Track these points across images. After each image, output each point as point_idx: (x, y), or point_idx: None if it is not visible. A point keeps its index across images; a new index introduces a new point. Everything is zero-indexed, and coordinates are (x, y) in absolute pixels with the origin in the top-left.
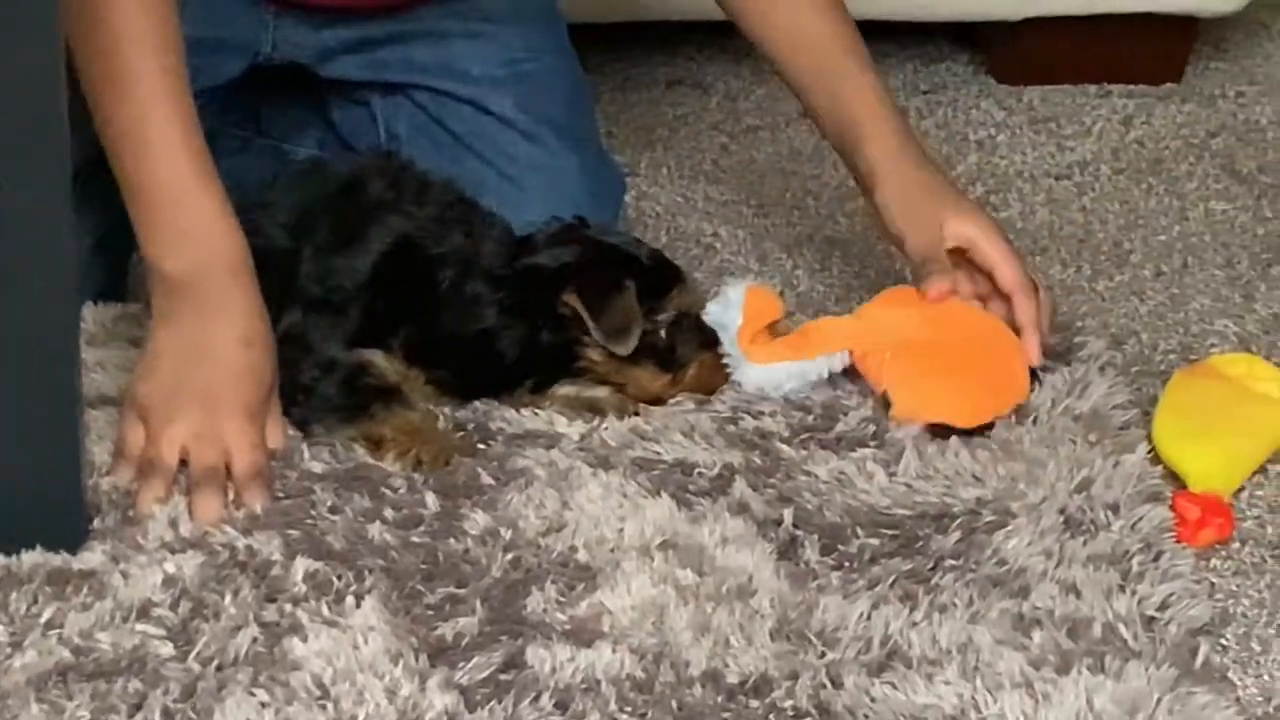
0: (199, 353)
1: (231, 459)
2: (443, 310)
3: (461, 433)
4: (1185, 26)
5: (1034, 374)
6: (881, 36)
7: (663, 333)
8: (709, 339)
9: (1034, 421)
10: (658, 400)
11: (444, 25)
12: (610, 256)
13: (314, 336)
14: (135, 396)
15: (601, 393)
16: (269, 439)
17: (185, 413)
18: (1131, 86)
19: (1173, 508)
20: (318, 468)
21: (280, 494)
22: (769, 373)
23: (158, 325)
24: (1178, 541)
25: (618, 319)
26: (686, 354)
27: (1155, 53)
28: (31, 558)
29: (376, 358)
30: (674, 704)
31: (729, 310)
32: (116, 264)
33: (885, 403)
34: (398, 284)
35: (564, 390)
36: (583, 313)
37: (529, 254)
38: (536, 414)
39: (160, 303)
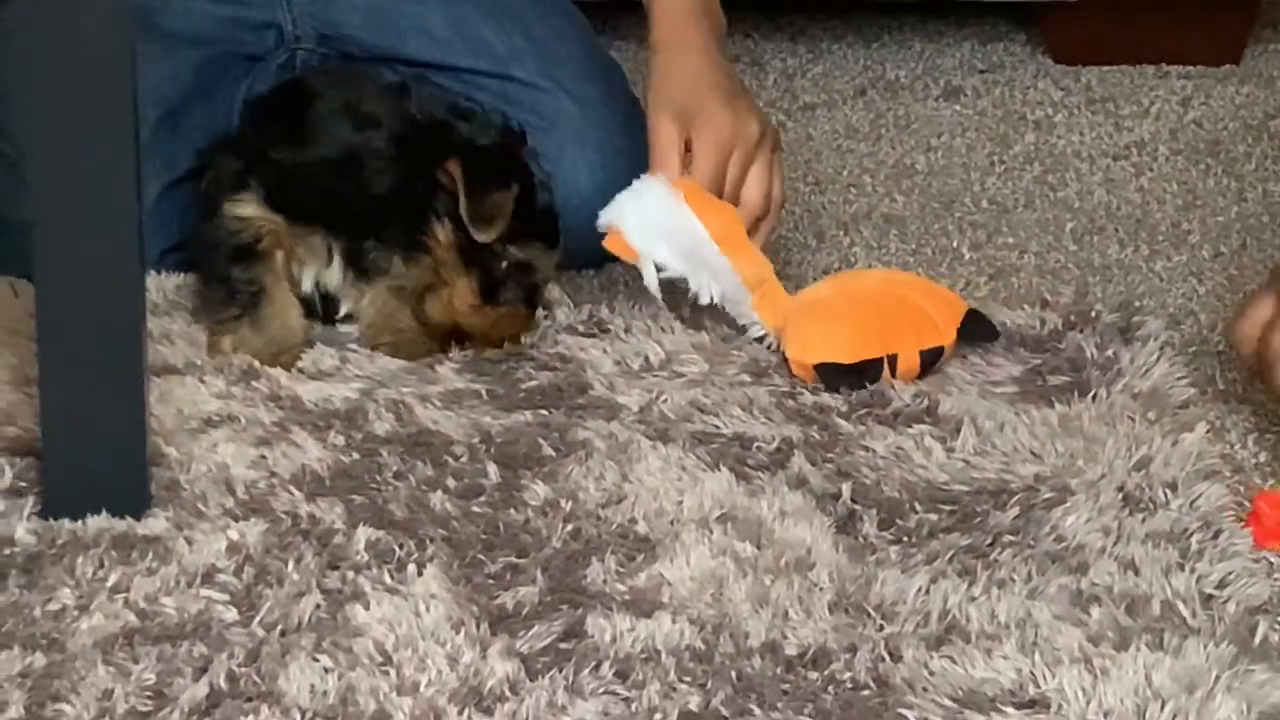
0: None
1: None
2: (312, 136)
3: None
4: (1244, 8)
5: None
6: (939, 15)
7: (504, 265)
8: (533, 303)
9: (1093, 399)
10: (454, 331)
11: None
12: (525, 172)
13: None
14: None
15: (403, 322)
16: None
17: None
18: (1190, 67)
19: (1253, 509)
20: (382, 430)
21: (344, 457)
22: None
23: None
24: (1257, 546)
25: (488, 208)
26: (510, 297)
27: (1214, 34)
28: (97, 523)
29: (248, 209)
30: (733, 674)
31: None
32: (182, 214)
33: (783, 356)
34: (269, 116)
35: (379, 292)
36: (459, 183)
37: (456, 117)
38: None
39: None
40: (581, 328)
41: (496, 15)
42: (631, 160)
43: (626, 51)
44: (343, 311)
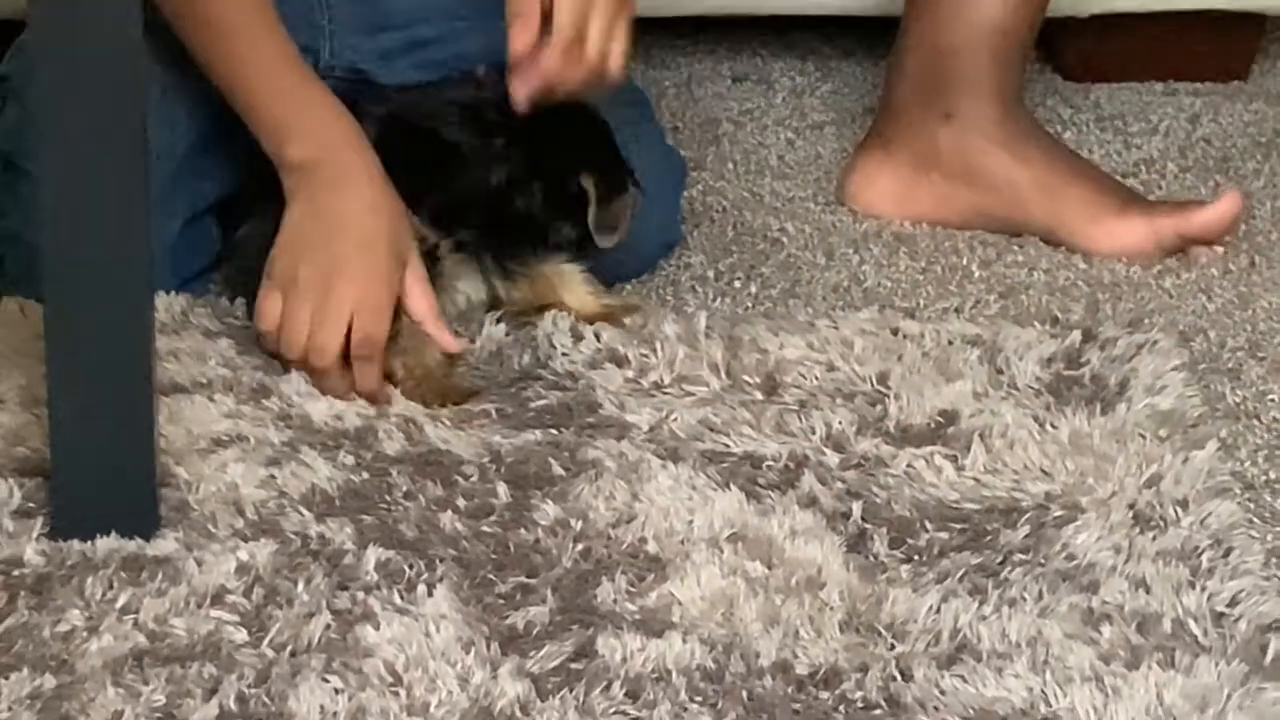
0: (330, 224)
1: (352, 329)
2: (459, 170)
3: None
4: (1253, 24)
5: None
6: None
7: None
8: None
9: (1103, 416)
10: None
11: (493, 20)
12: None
13: None
14: (272, 269)
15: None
16: (410, 306)
17: (309, 287)
18: (1199, 84)
19: None
20: (392, 449)
21: (355, 476)
22: None
23: (290, 203)
24: None
25: (610, 218)
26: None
27: (1222, 50)
28: (106, 544)
29: None
30: (744, 694)
31: None
32: (202, 246)
33: None
34: (404, 151)
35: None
36: (591, 196)
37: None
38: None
39: (291, 184)
40: (590, 351)
41: None
42: (665, 184)
43: (649, 78)
44: None
